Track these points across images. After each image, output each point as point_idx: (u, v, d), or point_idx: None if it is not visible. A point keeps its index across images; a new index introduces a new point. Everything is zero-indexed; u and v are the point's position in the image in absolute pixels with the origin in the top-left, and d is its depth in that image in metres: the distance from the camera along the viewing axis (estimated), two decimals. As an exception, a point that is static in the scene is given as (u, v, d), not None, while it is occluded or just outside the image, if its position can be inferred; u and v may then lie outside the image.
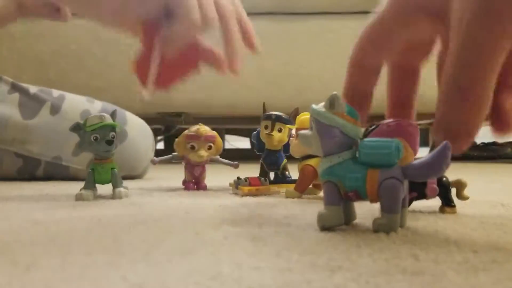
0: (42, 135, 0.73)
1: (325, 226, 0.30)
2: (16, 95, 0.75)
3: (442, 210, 0.39)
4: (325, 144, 0.30)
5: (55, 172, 0.74)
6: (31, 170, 0.74)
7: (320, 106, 0.30)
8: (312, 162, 0.48)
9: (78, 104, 0.77)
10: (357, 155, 0.29)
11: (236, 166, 0.59)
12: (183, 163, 0.58)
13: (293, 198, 0.48)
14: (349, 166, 0.29)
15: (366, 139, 0.29)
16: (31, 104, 0.75)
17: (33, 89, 0.76)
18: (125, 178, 0.76)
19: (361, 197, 0.29)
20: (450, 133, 0.26)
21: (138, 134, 0.79)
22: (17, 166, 0.73)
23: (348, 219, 0.31)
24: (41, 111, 0.74)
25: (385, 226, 0.29)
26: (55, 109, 0.75)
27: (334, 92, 0.29)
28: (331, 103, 0.29)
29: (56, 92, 0.78)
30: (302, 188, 0.49)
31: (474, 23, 0.25)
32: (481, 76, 0.25)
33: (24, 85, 0.77)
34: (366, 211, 0.39)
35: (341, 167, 0.29)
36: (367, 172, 0.29)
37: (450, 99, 0.26)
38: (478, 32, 0.25)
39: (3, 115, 0.72)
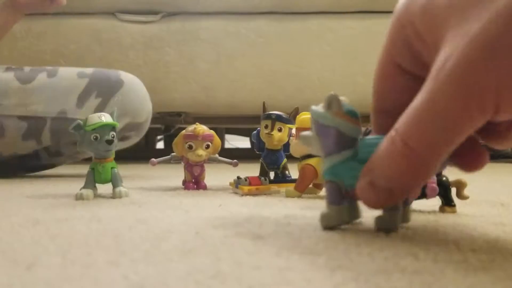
0: (43, 95, 0.75)
1: (328, 225, 0.30)
2: (11, 73, 0.78)
3: (442, 209, 0.39)
4: (325, 144, 0.30)
5: (62, 131, 0.74)
6: (36, 132, 0.75)
7: (319, 107, 0.30)
8: (312, 161, 0.48)
9: (72, 69, 0.82)
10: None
11: (235, 164, 0.59)
12: (182, 163, 0.58)
13: (293, 197, 0.49)
14: (350, 165, 0.29)
15: (366, 137, 0.29)
16: (27, 74, 0.78)
17: (27, 68, 0.80)
18: (130, 129, 0.81)
19: None
20: (381, 187, 0.25)
21: (133, 83, 0.83)
22: (22, 131, 0.74)
23: (353, 217, 0.31)
24: (38, 76, 0.78)
25: (387, 223, 0.29)
26: (51, 74, 0.79)
27: (332, 92, 0.29)
28: (329, 103, 0.29)
29: (49, 67, 0.82)
30: (302, 187, 0.49)
31: (452, 94, 0.21)
32: (435, 146, 0.23)
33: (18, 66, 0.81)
34: (366, 210, 0.39)
35: (342, 166, 0.29)
36: None
37: (392, 151, 0.24)
38: (451, 106, 0.21)
39: (2, 83, 0.75)
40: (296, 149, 0.49)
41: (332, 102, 0.29)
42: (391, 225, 0.29)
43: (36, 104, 0.75)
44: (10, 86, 0.75)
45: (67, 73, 0.80)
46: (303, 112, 0.50)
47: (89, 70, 0.81)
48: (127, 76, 0.83)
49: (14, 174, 0.81)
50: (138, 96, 0.82)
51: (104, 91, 0.79)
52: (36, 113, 0.74)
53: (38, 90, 0.76)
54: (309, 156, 0.48)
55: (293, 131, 0.54)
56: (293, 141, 0.50)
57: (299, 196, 0.49)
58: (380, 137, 0.28)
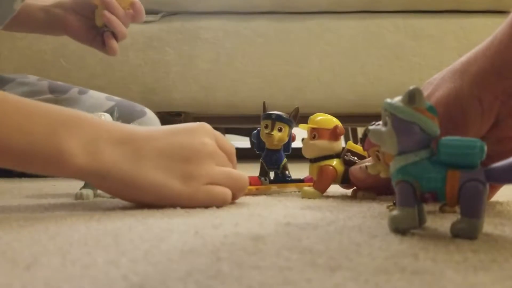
0: (71, 107, 0.79)
1: (399, 228, 0.28)
2: (45, 82, 0.85)
3: (442, 209, 0.39)
4: (402, 141, 0.28)
5: None
6: None
7: (396, 101, 0.28)
8: (331, 162, 0.47)
9: (102, 93, 0.90)
10: (435, 154, 0.28)
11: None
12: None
13: (313, 198, 0.47)
14: (426, 166, 0.27)
15: (447, 138, 0.27)
16: (59, 88, 0.85)
17: (60, 82, 0.88)
18: None
19: (438, 199, 0.28)
20: None
21: (153, 117, 0.92)
22: None
23: (422, 221, 0.30)
24: (70, 91, 0.85)
25: (465, 231, 0.27)
26: (82, 92, 0.86)
27: (414, 86, 0.27)
28: (411, 97, 0.27)
29: (81, 87, 0.90)
30: (323, 187, 0.48)
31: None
32: None
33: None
34: (366, 210, 0.39)
35: (418, 167, 0.27)
36: (447, 173, 0.27)
37: None
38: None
39: (37, 91, 0.82)
40: (309, 150, 0.49)
41: (415, 96, 0.27)
42: (470, 233, 0.27)
43: None
44: (44, 96, 0.82)
45: (97, 94, 0.88)
46: (319, 113, 0.49)
47: (117, 98, 0.90)
48: (150, 112, 0.92)
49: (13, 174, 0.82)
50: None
51: (125, 115, 0.85)
52: None
53: (67, 103, 0.82)
54: (326, 157, 0.48)
55: (294, 131, 0.54)
56: (308, 142, 0.49)
57: (319, 197, 0.48)
58: (458, 139, 0.27)
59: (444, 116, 0.33)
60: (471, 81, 0.33)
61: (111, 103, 0.87)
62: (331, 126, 0.48)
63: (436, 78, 0.37)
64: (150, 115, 0.91)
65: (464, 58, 0.35)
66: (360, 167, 0.45)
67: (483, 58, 0.33)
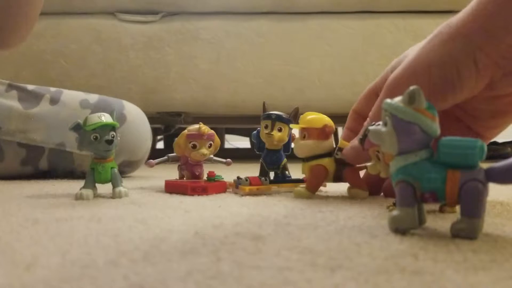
0: (44, 123, 0.74)
1: (399, 229, 0.28)
2: (14, 92, 0.76)
3: (442, 209, 0.39)
4: (402, 141, 0.28)
5: (59, 160, 0.74)
6: (34, 160, 0.74)
7: (397, 101, 0.28)
8: (323, 162, 0.47)
9: (76, 95, 0.79)
10: (435, 155, 0.28)
11: (228, 163, 0.59)
12: (180, 163, 0.58)
13: (303, 198, 0.47)
14: (426, 166, 0.27)
15: (447, 138, 0.27)
16: (30, 98, 0.76)
17: (30, 86, 0.78)
18: (126, 165, 0.79)
19: (438, 199, 0.28)
20: None
21: (136, 119, 0.80)
22: (21, 157, 0.73)
23: (422, 221, 0.30)
24: (41, 103, 0.75)
25: (465, 231, 0.27)
26: (54, 100, 0.76)
27: (415, 86, 0.27)
28: (411, 97, 0.27)
29: (53, 88, 0.79)
30: (314, 188, 0.48)
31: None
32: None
33: (21, 84, 0.78)
34: (366, 210, 0.39)
35: (418, 167, 0.27)
36: (447, 173, 0.27)
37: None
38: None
39: (5, 107, 0.73)
40: (301, 150, 0.49)
41: (415, 97, 0.27)
42: (470, 233, 0.27)
43: (36, 133, 0.73)
44: (13, 110, 0.73)
45: (70, 98, 0.77)
46: (309, 112, 0.49)
47: (93, 99, 0.79)
48: (130, 111, 0.80)
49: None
50: (138, 135, 0.79)
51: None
52: (35, 141, 0.73)
53: (39, 118, 0.73)
54: (317, 157, 0.48)
55: (294, 131, 0.54)
56: (298, 141, 0.49)
57: (311, 197, 0.48)
58: (458, 139, 0.27)
59: (440, 77, 0.34)
60: (465, 43, 0.34)
61: (87, 112, 0.75)
62: (320, 125, 0.48)
63: (413, 49, 0.38)
64: (131, 117, 0.79)
65: (444, 27, 0.36)
66: (352, 147, 0.46)
67: (473, 22, 0.34)
